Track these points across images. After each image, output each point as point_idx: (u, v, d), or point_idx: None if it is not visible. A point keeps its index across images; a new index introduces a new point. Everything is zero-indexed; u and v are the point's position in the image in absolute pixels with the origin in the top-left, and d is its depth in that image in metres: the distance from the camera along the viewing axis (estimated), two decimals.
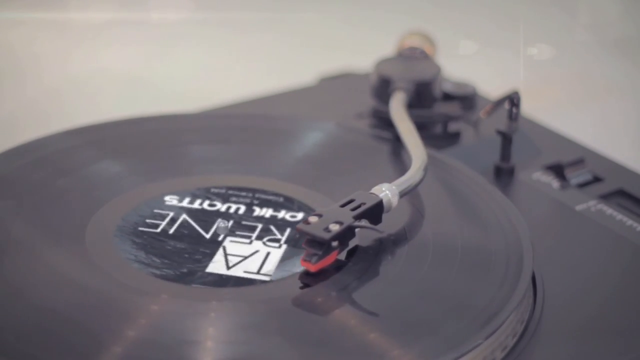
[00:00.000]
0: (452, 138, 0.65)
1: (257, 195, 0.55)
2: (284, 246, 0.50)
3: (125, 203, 0.53)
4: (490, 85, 0.73)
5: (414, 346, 0.44)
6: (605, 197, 0.59)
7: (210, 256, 0.50)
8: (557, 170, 0.62)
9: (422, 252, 0.50)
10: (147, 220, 0.52)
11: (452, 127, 0.65)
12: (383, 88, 0.65)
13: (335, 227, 0.48)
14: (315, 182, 0.56)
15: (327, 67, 0.77)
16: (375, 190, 0.51)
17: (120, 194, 0.54)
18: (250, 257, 0.50)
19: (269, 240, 0.51)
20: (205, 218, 0.53)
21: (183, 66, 0.97)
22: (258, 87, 0.74)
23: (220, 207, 0.54)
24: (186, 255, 0.50)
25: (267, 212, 0.53)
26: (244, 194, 0.55)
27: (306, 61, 0.91)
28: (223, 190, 0.55)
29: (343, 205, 0.49)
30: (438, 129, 0.65)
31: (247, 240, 0.51)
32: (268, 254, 0.50)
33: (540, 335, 0.47)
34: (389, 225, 0.51)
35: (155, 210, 0.53)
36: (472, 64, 0.90)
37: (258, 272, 0.48)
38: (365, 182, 0.57)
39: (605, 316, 0.49)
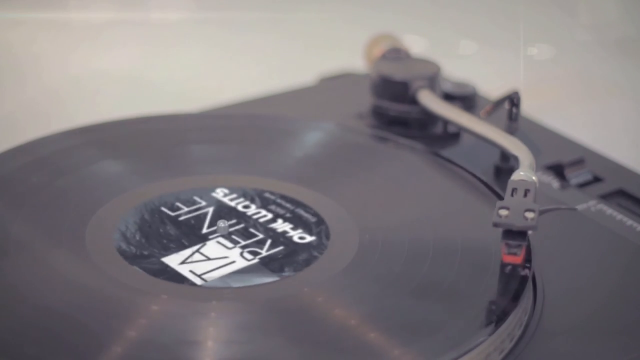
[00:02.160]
0: (452, 138, 0.65)
1: (296, 209, 0.54)
2: (255, 261, 0.50)
3: (125, 203, 0.53)
4: (490, 85, 0.73)
5: (413, 346, 0.44)
6: (605, 197, 0.59)
7: (182, 248, 0.50)
8: (557, 170, 0.62)
9: (422, 252, 0.50)
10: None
11: (452, 127, 0.65)
12: (401, 90, 0.65)
13: (531, 215, 0.47)
14: (315, 182, 0.56)
15: (327, 67, 0.77)
16: (517, 177, 0.51)
17: (120, 194, 0.54)
18: (214, 260, 0.50)
19: (249, 251, 0.51)
20: (226, 215, 0.53)
21: (183, 66, 0.97)
22: (258, 87, 0.74)
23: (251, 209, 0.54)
24: (165, 241, 0.50)
25: (283, 227, 0.53)
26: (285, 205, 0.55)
27: (306, 61, 0.91)
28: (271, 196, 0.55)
29: (512, 194, 0.49)
30: (438, 128, 0.65)
31: (231, 245, 0.51)
32: (232, 262, 0.49)
33: (540, 335, 0.47)
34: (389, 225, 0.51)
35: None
36: (472, 64, 0.90)
37: (199, 276, 0.48)
38: (366, 182, 0.57)
39: (605, 316, 0.49)
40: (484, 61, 0.94)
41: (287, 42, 1.01)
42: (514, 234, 0.47)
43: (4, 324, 0.44)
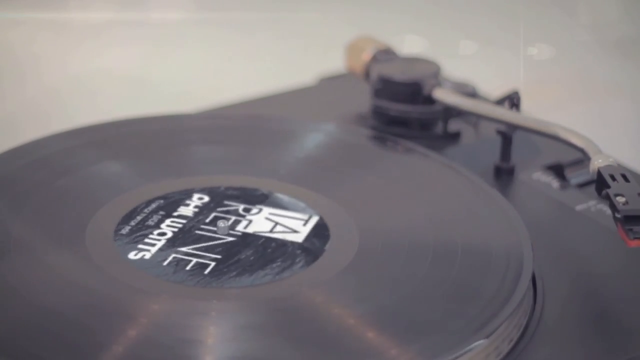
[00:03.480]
0: (452, 138, 0.65)
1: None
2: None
3: (125, 203, 0.54)
4: (490, 85, 0.73)
5: (413, 346, 0.44)
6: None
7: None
8: (557, 170, 0.62)
9: (422, 252, 0.50)
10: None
11: (452, 127, 0.65)
12: (410, 90, 0.65)
13: None
14: (316, 182, 0.56)
15: (327, 67, 0.77)
16: (598, 163, 0.51)
17: (120, 194, 0.54)
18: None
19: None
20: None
21: (183, 66, 0.97)
22: (258, 87, 0.74)
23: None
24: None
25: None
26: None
27: (306, 61, 0.91)
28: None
29: (614, 180, 0.49)
30: (438, 128, 0.65)
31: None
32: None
33: (540, 335, 0.47)
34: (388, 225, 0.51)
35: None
36: (472, 64, 0.90)
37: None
38: (366, 182, 0.57)
39: (605, 316, 0.49)
40: (484, 61, 0.94)
41: (287, 42, 1.01)
42: (634, 219, 0.47)
43: (4, 323, 0.44)
